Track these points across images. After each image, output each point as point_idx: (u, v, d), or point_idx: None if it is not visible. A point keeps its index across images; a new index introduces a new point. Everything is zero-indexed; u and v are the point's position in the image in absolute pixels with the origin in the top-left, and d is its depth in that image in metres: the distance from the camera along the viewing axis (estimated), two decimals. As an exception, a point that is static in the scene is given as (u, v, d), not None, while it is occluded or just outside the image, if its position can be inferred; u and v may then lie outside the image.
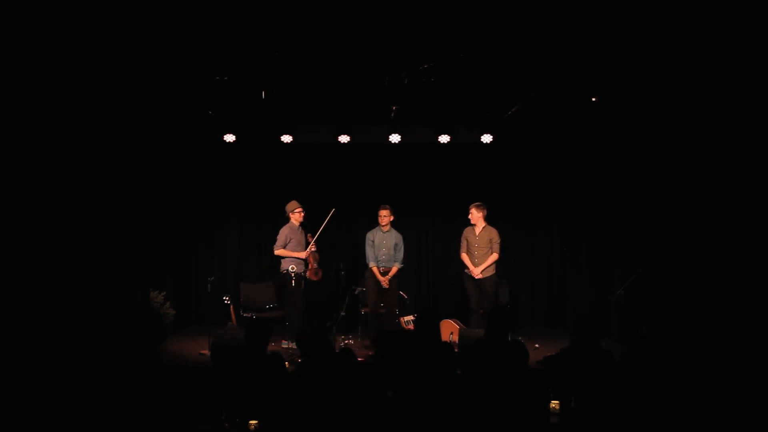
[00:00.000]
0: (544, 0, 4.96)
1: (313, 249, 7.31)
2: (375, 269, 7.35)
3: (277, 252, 7.34)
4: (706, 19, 4.95)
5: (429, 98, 6.94)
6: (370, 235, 7.43)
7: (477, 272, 7.26)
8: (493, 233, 7.34)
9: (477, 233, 7.34)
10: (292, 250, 7.30)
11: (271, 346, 5.84)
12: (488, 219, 7.42)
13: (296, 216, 7.38)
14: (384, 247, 7.36)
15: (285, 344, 7.09)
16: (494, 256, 7.31)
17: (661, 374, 4.19)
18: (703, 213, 6.35)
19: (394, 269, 7.38)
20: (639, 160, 7.42)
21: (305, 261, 7.34)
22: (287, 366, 4.64)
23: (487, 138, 7.73)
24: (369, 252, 7.40)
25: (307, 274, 7.34)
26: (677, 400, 4.12)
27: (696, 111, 6.21)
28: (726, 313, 5.87)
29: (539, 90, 6.58)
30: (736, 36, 5.10)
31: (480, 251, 7.30)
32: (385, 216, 7.32)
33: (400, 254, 7.42)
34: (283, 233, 7.33)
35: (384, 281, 7.31)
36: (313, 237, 7.36)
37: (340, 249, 8.61)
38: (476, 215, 7.31)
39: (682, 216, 6.68)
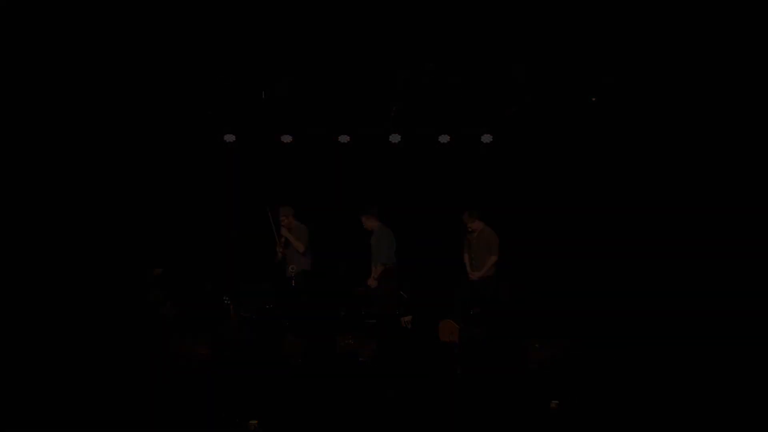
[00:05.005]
0: (544, 0, 4.96)
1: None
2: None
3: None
4: (706, 19, 4.95)
5: (429, 98, 6.94)
6: None
7: (475, 276, 7.24)
8: (491, 235, 7.32)
9: (475, 235, 7.34)
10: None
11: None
12: (487, 220, 7.41)
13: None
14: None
15: None
16: (493, 258, 7.30)
17: (660, 374, 4.20)
18: (703, 213, 6.35)
19: (376, 270, 7.07)
20: (640, 160, 7.41)
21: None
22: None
23: (487, 138, 7.72)
24: None
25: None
26: (675, 399, 4.13)
27: (696, 112, 6.21)
28: (725, 313, 5.86)
29: (539, 90, 6.58)
30: (736, 37, 5.10)
31: (477, 253, 7.29)
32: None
33: (380, 252, 7.04)
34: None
35: (370, 281, 7.16)
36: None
37: (341, 249, 8.59)
38: (478, 224, 7.27)
39: (682, 216, 6.68)
